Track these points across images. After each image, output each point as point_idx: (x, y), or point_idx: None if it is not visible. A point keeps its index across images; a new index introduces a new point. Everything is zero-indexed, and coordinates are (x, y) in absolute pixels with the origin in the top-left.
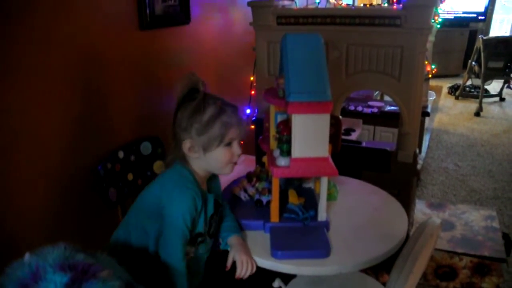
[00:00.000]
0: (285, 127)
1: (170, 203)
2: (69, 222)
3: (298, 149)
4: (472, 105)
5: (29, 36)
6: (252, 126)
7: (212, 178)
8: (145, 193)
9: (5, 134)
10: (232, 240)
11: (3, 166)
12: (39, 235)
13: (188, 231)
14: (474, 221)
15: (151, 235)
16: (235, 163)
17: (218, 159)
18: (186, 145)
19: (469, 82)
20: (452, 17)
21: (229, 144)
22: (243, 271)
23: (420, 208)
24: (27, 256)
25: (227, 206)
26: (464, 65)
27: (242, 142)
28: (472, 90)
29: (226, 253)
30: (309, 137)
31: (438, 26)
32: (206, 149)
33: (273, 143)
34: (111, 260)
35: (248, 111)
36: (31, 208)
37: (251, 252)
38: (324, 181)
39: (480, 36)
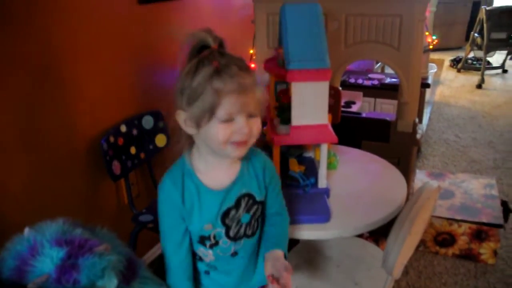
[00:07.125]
0: (285, 95)
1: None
2: (75, 195)
3: (298, 117)
4: (474, 78)
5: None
6: None
7: (250, 166)
8: None
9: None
10: (273, 254)
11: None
12: (43, 209)
13: (172, 225)
14: (473, 189)
15: None
16: (242, 143)
17: (212, 137)
18: (180, 116)
19: (471, 55)
20: None
21: (229, 120)
22: None
23: (420, 178)
24: (26, 231)
25: (286, 213)
26: (467, 38)
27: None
28: (475, 62)
29: None
30: (309, 104)
31: None
32: (198, 123)
33: (273, 113)
34: (111, 235)
35: None
36: (35, 182)
37: None
38: (324, 148)
39: (483, 6)
